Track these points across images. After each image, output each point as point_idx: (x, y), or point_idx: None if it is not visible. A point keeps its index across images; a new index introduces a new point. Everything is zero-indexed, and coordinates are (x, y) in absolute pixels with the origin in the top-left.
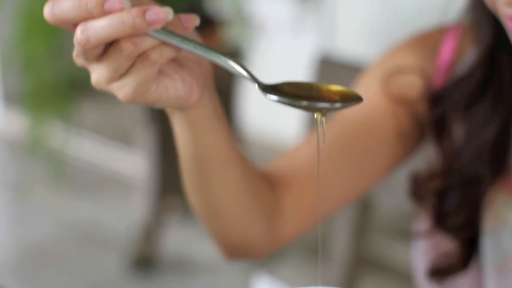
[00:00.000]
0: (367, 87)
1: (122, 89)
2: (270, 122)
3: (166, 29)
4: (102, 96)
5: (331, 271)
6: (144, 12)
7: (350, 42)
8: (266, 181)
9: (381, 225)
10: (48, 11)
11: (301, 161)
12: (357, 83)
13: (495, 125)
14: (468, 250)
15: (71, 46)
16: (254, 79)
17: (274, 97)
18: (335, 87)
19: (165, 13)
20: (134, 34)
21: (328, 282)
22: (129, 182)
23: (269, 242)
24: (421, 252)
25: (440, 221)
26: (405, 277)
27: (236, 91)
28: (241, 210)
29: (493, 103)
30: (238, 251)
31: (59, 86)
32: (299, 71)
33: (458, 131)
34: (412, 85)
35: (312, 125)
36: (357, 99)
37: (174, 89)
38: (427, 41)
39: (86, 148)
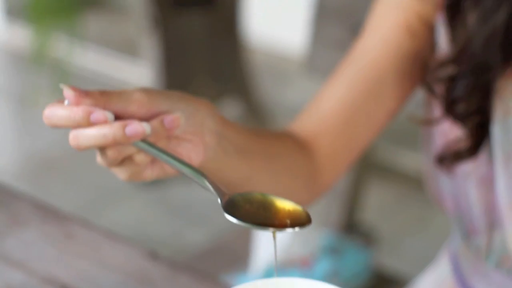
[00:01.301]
0: (383, 9)
1: (118, 174)
2: (275, 29)
3: (146, 141)
4: (106, 7)
5: None
6: (124, 127)
7: None
8: (298, 148)
9: (388, 130)
10: (45, 116)
11: (327, 112)
12: None
13: (507, 10)
14: (478, 137)
15: None
16: (219, 196)
17: (233, 219)
18: (288, 206)
19: (143, 128)
20: (117, 144)
21: (332, 188)
22: None
23: (309, 196)
24: (431, 141)
25: (450, 108)
26: (411, 181)
27: (240, 0)
28: (281, 192)
29: None
30: None
31: None
32: (298, 5)
33: (471, 18)
34: None
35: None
36: (307, 221)
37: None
38: None
39: (90, 59)
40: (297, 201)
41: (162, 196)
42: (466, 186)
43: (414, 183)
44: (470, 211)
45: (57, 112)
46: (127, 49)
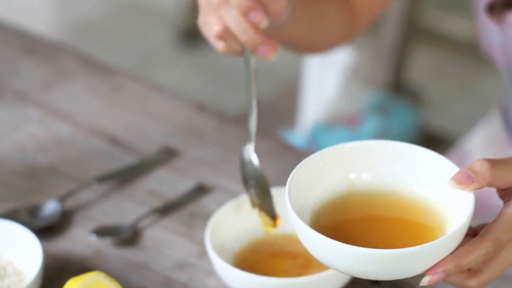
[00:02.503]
0: None
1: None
2: None
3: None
4: None
5: (383, 37)
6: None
7: None
8: None
9: None
10: None
11: None
12: None
13: None
14: None
15: None
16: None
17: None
18: None
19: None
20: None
21: (380, 48)
22: None
23: (349, 35)
24: None
25: None
26: (458, 46)
27: None
28: (323, 40)
29: None
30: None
31: None
32: None
33: None
34: None
35: None
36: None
37: None
38: None
39: None
40: (338, 41)
41: (203, 61)
42: None
43: (461, 48)
44: None
45: None
46: None
